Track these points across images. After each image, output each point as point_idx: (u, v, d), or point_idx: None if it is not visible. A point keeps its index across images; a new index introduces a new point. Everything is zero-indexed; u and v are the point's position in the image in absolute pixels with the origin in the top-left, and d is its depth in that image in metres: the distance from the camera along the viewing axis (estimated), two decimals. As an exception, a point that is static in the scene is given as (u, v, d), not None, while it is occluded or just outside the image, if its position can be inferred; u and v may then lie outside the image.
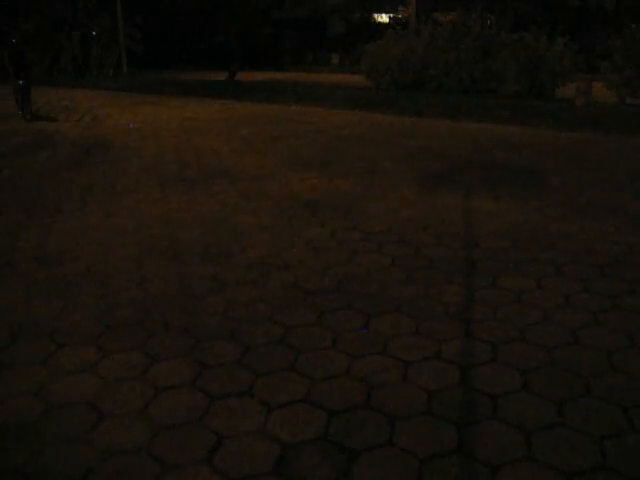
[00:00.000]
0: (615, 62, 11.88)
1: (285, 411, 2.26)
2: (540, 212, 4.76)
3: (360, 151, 7.37)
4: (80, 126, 9.95)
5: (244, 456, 2.03)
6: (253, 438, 2.12)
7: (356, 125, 9.65)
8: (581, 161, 6.75)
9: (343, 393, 2.37)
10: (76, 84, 18.60)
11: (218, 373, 2.53)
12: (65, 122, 10.41)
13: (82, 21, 22.14)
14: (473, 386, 2.41)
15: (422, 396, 2.35)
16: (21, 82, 10.77)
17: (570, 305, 3.13)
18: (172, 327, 2.93)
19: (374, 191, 5.45)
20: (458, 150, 7.42)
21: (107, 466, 1.99)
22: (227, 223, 4.58)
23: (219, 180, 5.94)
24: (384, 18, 29.06)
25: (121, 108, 12.47)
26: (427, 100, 12.45)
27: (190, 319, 3.01)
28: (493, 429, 2.15)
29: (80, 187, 5.77)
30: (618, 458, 2.00)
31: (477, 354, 2.66)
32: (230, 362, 2.61)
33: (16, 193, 5.61)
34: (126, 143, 8.24)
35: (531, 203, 5.01)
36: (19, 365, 2.62)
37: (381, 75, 15.11)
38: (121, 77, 21.24)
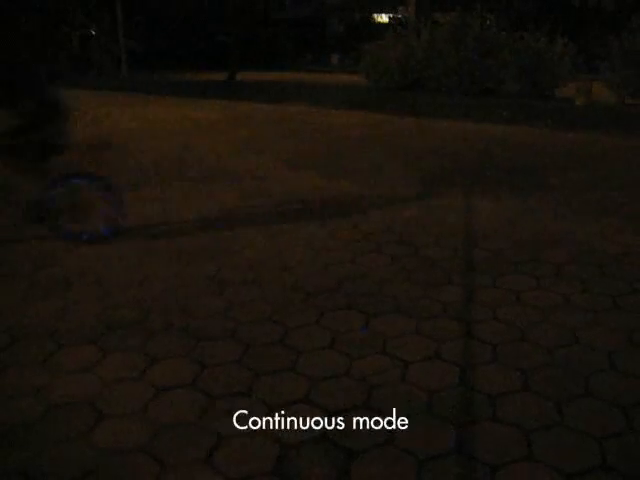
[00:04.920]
0: (614, 63, 11.89)
1: (285, 411, 2.26)
2: (540, 212, 4.76)
3: (360, 151, 7.38)
4: (79, 126, 9.94)
5: (244, 456, 2.03)
6: (253, 438, 2.12)
7: (356, 125, 9.65)
8: (581, 161, 6.76)
9: (343, 393, 2.37)
10: (75, 84, 18.59)
11: (218, 373, 2.53)
12: (64, 122, 10.40)
13: (82, 21, 22.15)
14: (473, 386, 2.41)
15: (422, 396, 2.35)
16: None
17: (570, 305, 3.14)
18: (172, 327, 2.93)
19: (374, 191, 5.45)
20: (458, 150, 7.42)
21: (107, 466, 1.99)
22: (227, 223, 4.58)
23: (219, 180, 5.94)
24: (384, 18, 29.08)
25: (121, 108, 12.47)
26: (427, 100, 12.45)
27: (190, 319, 3.01)
28: (493, 429, 2.15)
29: (80, 187, 5.76)
30: (618, 458, 2.00)
31: (477, 354, 2.66)
32: (230, 362, 2.61)
33: (15, 193, 5.60)
34: (125, 143, 8.23)
35: (531, 203, 5.01)
36: (19, 365, 2.62)
37: (381, 75, 15.11)
38: (121, 77, 21.24)
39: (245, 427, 2.18)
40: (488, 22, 14.91)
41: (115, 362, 2.62)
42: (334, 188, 5.57)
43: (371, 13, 29.27)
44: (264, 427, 2.18)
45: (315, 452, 2.04)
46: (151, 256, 3.90)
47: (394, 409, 2.27)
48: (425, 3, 21.85)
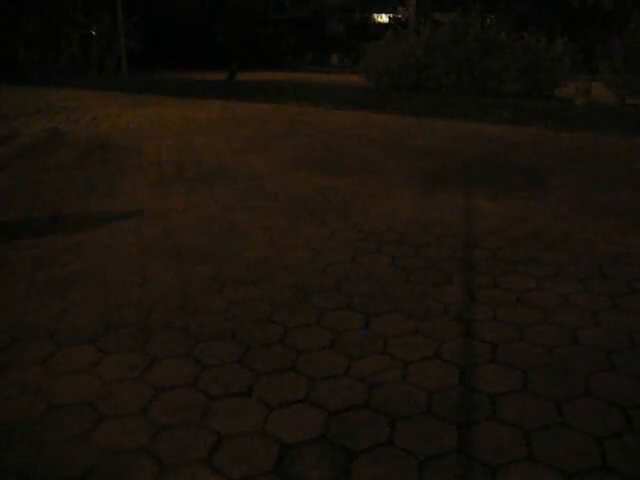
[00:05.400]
0: (614, 63, 11.89)
1: (285, 411, 2.26)
2: (540, 212, 4.76)
3: (360, 151, 7.38)
4: (80, 126, 9.95)
5: (244, 456, 2.03)
6: (253, 438, 2.12)
7: (356, 125, 9.65)
8: (581, 161, 6.76)
9: (343, 393, 2.37)
10: (76, 84, 18.58)
11: (218, 373, 2.53)
12: (65, 122, 10.41)
13: (82, 21, 22.14)
14: (473, 386, 2.41)
15: (422, 396, 2.35)
16: None
17: (570, 305, 3.14)
18: (172, 327, 2.93)
19: (374, 191, 5.45)
20: (458, 150, 7.42)
21: (107, 466, 1.99)
22: (227, 223, 4.58)
23: (219, 180, 5.94)
24: (384, 18, 29.06)
25: (121, 108, 12.46)
26: (427, 100, 12.45)
27: (190, 319, 3.01)
28: (493, 429, 2.15)
29: (79, 187, 5.77)
30: (618, 458, 2.00)
31: (477, 354, 2.66)
32: (230, 362, 2.61)
33: (15, 193, 5.61)
34: (126, 143, 8.24)
35: (531, 203, 5.01)
36: (19, 365, 2.62)
37: (381, 75, 15.10)
38: (121, 77, 21.23)
39: (245, 427, 2.18)
40: (488, 22, 14.89)
41: (115, 362, 2.62)
42: (334, 188, 5.57)
43: (371, 13, 29.27)
44: (264, 427, 2.18)
45: (315, 452, 2.04)
46: (151, 256, 3.90)
47: (394, 409, 2.27)
48: (425, 3, 21.85)
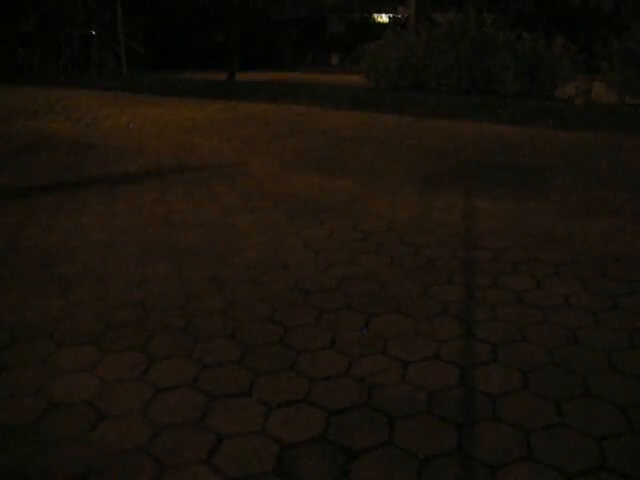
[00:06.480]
0: (614, 63, 11.89)
1: (285, 411, 2.26)
2: (540, 212, 4.76)
3: (360, 151, 7.38)
4: (80, 126, 9.95)
5: (244, 456, 2.03)
6: (253, 438, 2.12)
7: (356, 125, 9.65)
8: (581, 161, 6.76)
9: (343, 393, 2.37)
10: (76, 84, 18.58)
11: (218, 373, 2.53)
12: (65, 122, 10.41)
13: (82, 20, 22.15)
14: (473, 386, 2.41)
15: (422, 396, 2.35)
16: None
17: (570, 305, 3.14)
18: (172, 327, 2.93)
19: (374, 191, 5.45)
20: (458, 150, 7.42)
21: (107, 466, 1.99)
22: (227, 223, 4.58)
23: (219, 180, 5.94)
24: (384, 18, 29.08)
25: (121, 108, 12.46)
26: (426, 100, 12.45)
27: (190, 319, 3.01)
28: (493, 429, 2.15)
29: (79, 187, 5.77)
30: (618, 458, 2.00)
31: (477, 354, 2.66)
32: (230, 362, 2.61)
33: (13, 192, 5.61)
34: (126, 143, 8.24)
35: (531, 203, 5.01)
36: (19, 365, 2.62)
37: (380, 75, 15.10)
38: (121, 77, 21.24)
39: (245, 427, 2.18)
40: (489, 22, 14.88)
41: (115, 362, 2.62)
42: (334, 188, 5.57)
43: (371, 13, 29.28)
44: (264, 427, 2.18)
45: (315, 452, 2.04)
46: (151, 256, 3.90)
47: (394, 409, 2.27)
48: (425, 3, 21.86)
